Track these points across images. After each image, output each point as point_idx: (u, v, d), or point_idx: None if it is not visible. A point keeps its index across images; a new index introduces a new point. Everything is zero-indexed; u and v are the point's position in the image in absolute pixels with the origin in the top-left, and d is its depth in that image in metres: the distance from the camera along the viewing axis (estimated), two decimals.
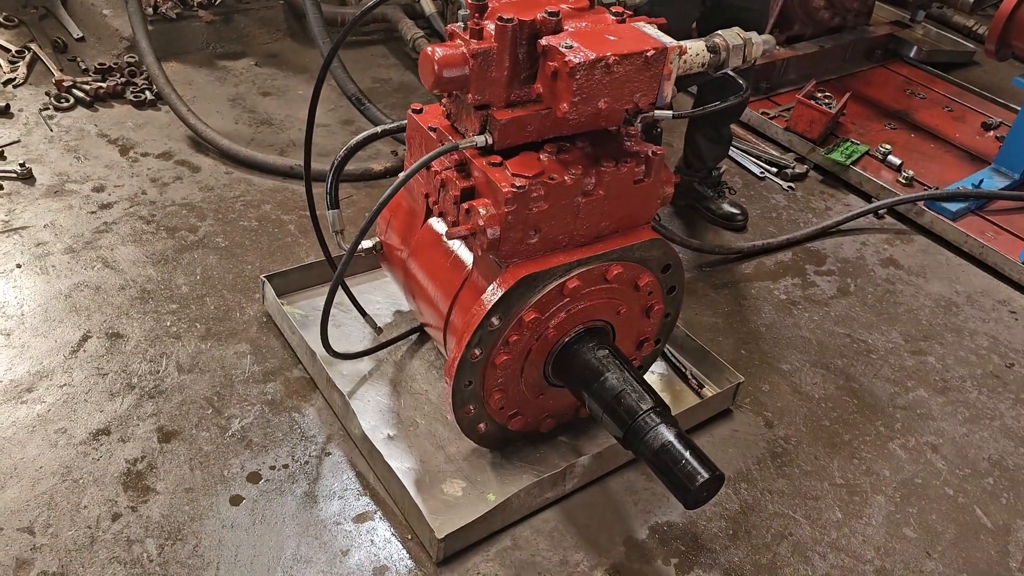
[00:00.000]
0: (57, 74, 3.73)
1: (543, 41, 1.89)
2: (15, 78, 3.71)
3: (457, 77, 1.92)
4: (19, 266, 2.79)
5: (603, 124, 2.04)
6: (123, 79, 3.75)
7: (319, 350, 2.44)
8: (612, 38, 1.92)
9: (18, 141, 3.36)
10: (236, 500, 2.17)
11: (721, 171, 3.45)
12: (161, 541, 2.05)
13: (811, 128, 3.95)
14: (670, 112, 2.10)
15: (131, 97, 3.68)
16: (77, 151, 3.37)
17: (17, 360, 2.47)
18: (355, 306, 2.60)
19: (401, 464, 2.30)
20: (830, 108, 4.01)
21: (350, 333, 2.67)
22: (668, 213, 3.47)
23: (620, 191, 2.09)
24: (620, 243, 2.15)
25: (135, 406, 2.37)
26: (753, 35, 2.14)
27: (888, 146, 3.95)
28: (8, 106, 3.52)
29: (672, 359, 2.72)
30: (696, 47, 2.05)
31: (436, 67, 1.90)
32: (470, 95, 1.95)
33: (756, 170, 3.87)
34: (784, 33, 4.50)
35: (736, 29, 2.12)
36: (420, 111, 2.27)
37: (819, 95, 4.19)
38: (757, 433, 2.57)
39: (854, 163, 3.86)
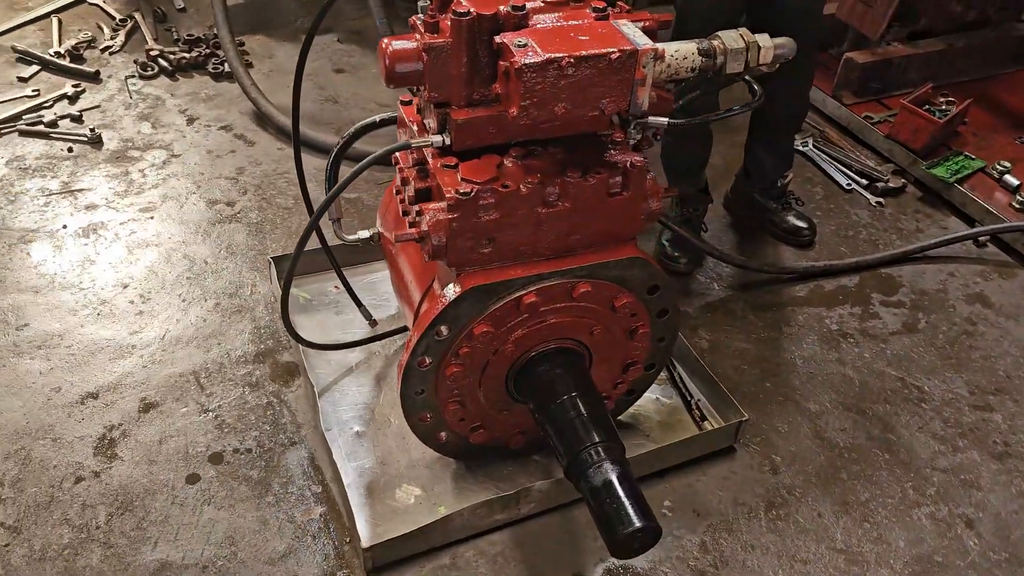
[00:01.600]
0: (149, 42, 3.93)
1: (498, 38, 1.74)
2: (112, 45, 3.93)
3: (410, 72, 1.80)
4: (64, 227, 2.96)
5: (575, 129, 1.86)
6: (208, 50, 3.90)
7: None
8: (579, 37, 1.74)
9: (99, 106, 3.56)
10: (193, 479, 2.20)
11: (787, 180, 3.12)
12: (111, 510, 2.11)
13: (915, 137, 3.51)
14: (664, 120, 1.91)
15: (210, 69, 3.81)
16: (149, 118, 3.53)
17: (43, 315, 2.62)
18: (350, 295, 2.56)
19: (360, 463, 2.25)
20: (943, 116, 3.55)
21: (352, 321, 2.64)
22: (724, 224, 3.19)
23: (590, 204, 1.91)
24: (591, 259, 1.97)
25: (127, 373, 2.46)
26: (762, 38, 1.89)
27: (1008, 164, 3.44)
28: (99, 72, 3.74)
29: (680, 385, 2.51)
30: (684, 50, 1.82)
31: (387, 61, 1.79)
32: (426, 92, 1.84)
33: (843, 181, 3.49)
34: (907, 27, 4.02)
35: (741, 31, 1.87)
36: (409, 102, 2.18)
37: (938, 100, 3.72)
38: (757, 478, 2.32)
39: (961, 181, 3.40)
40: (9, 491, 2.14)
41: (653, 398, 2.51)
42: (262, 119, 3.54)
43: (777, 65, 1.99)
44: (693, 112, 2.56)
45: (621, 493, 1.81)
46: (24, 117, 3.41)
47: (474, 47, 1.78)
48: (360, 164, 1.89)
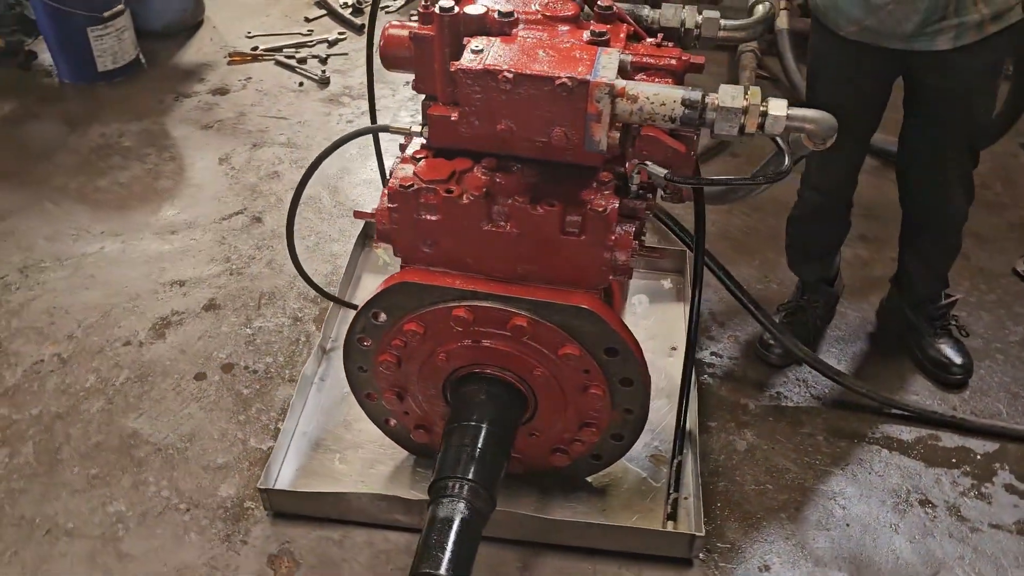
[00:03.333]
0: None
1: (466, 39, 1.68)
2: (390, 6, 4.39)
3: (401, 58, 1.83)
4: (255, 145, 3.43)
5: (548, 155, 1.72)
6: None
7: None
8: (541, 55, 1.62)
9: (347, 54, 4.03)
10: (200, 377, 2.48)
11: (948, 303, 2.53)
12: (130, 376, 2.47)
13: None
14: (661, 171, 1.72)
15: None
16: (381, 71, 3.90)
17: (183, 209, 3.10)
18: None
19: (327, 420, 2.34)
20: None
21: None
22: (865, 332, 2.67)
23: (540, 236, 1.77)
24: (535, 295, 1.83)
25: (215, 275, 2.81)
26: (775, 104, 1.58)
27: None
28: (363, 26, 4.21)
29: (673, 473, 2.21)
30: (665, 95, 1.58)
31: (383, 42, 1.83)
32: (414, 81, 1.84)
33: None
34: None
35: (744, 88, 1.58)
36: None
37: None
38: None
39: None
40: (80, 333, 2.60)
41: (642, 475, 2.26)
42: None
43: (817, 144, 1.66)
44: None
45: (451, 537, 1.69)
46: (285, 50, 3.99)
47: (458, 44, 1.74)
48: (337, 139, 1.97)
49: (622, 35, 1.76)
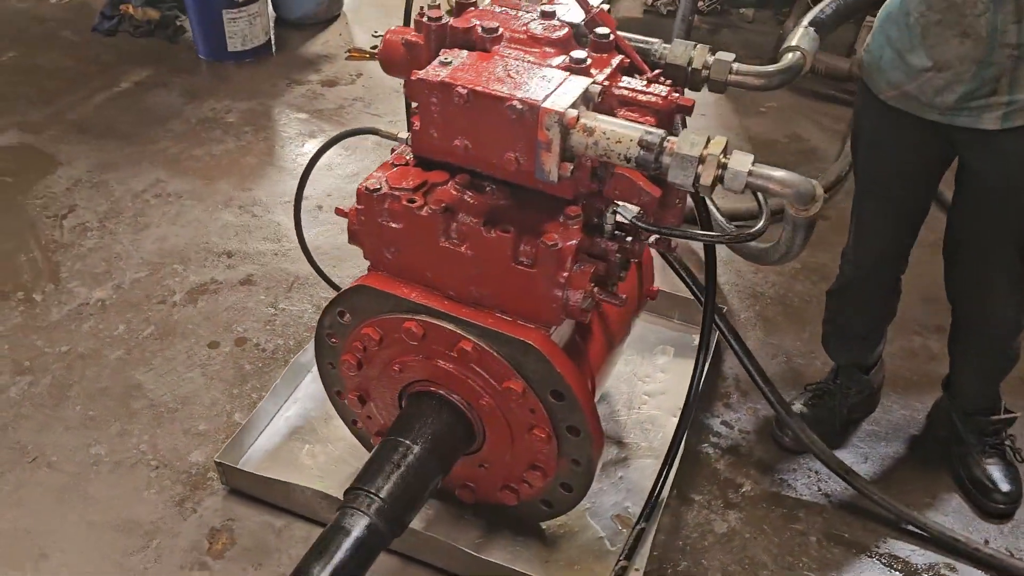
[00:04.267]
0: None
1: (442, 51, 1.65)
2: None
3: (396, 63, 1.82)
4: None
5: (518, 179, 1.65)
6: None
7: None
8: (505, 75, 1.56)
9: None
10: (213, 345, 2.58)
11: (1006, 419, 2.19)
12: (154, 333, 2.61)
13: None
14: (629, 215, 1.62)
15: None
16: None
17: (259, 187, 3.25)
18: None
19: (313, 409, 2.37)
20: None
21: None
22: (908, 434, 2.37)
23: (492, 261, 1.70)
24: (485, 322, 1.76)
25: (262, 253, 2.93)
26: (737, 158, 1.43)
27: None
28: None
29: (628, 539, 2.05)
30: (623, 133, 1.47)
31: (383, 46, 1.83)
32: (404, 86, 1.82)
33: None
34: None
35: (708, 135, 1.43)
36: None
37: None
38: None
39: None
40: (127, 284, 2.78)
41: (600, 535, 2.12)
42: None
43: (799, 210, 1.49)
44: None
45: (341, 550, 1.65)
46: None
47: None
48: (325, 141, 1.99)
49: (613, 65, 1.66)
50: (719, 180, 1.44)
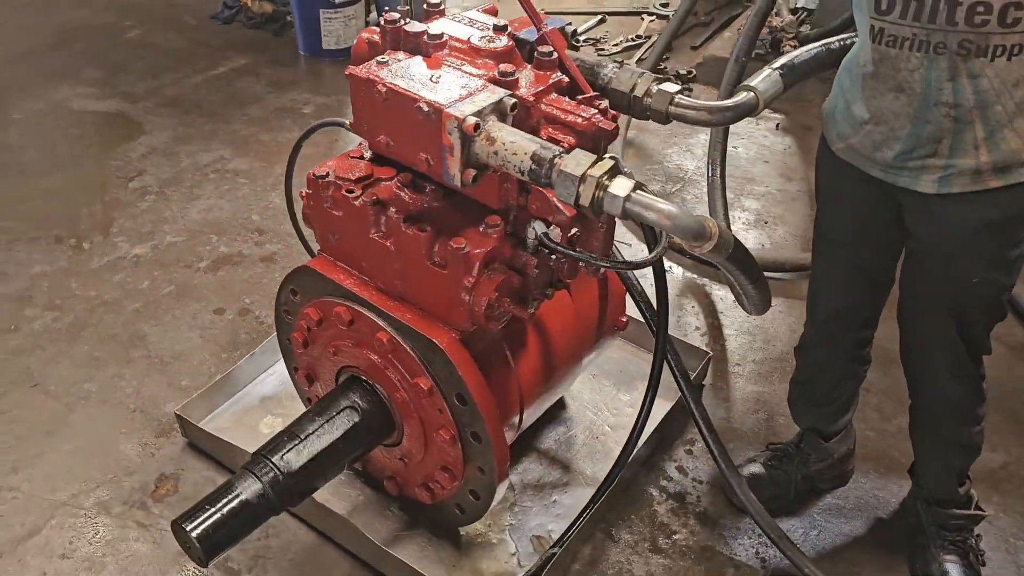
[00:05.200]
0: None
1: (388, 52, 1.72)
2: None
3: (361, 60, 1.89)
4: None
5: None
6: None
7: None
8: (435, 78, 1.61)
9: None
10: (219, 312, 2.76)
11: (973, 515, 2.00)
12: (172, 292, 2.83)
13: None
14: (537, 230, 1.65)
15: None
16: None
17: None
18: None
19: (283, 380, 2.48)
20: None
21: None
22: (874, 516, 2.21)
23: (411, 257, 1.75)
24: (402, 316, 1.81)
25: (291, 234, 3.08)
26: (617, 183, 1.41)
27: None
28: None
29: (538, 562, 2.03)
30: (520, 145, 1.48)
31: (355, 43, 1.93)
32: None
33: None
34: None
35: (597, 157, 1.42)
36: None
37: None
38: None
39: None
40: (163, 246, 3.03)
41: (512, 551, 2.11)
42: None
43: (690, 245, 1.46)
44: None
45: (225, 509, 1.72)
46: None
47: None
48: (304, 132, 2.10)
49: (548, 82, 1.68)
50: (597, 202, 1.43)
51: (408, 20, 1.80)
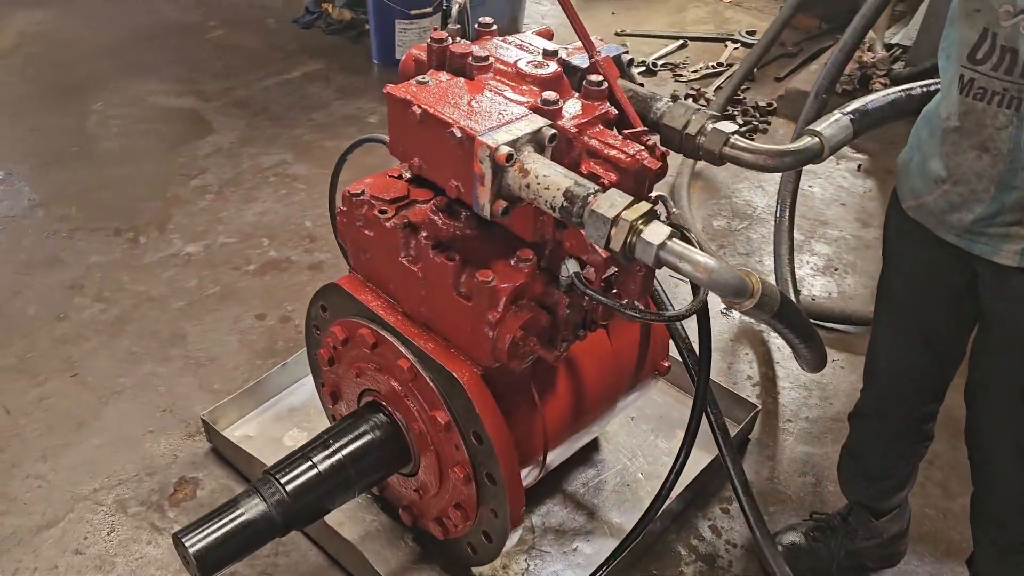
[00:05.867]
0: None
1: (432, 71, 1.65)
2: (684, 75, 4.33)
3: (408, 76, 1.83)
4: None
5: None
6: None
7: None
8: (475, 103, 1.54)
9: None
10: (261, 316, 2.74)
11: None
12: (218, 293, 2.83)
13: None
14: (571, 268, 1.56)
15: None
16: None
17: (359, 172, 3.40)
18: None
19: (312, 393, 2.44)
20: None
21: None
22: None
23: (438, 286, 1.68)
24: (424, 344, 1.73)
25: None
26: (655, 228, 1.30)
27: None
28: None
29: None
30: (553, 180, 1.39)
31: (404, 58, 1.87)
32: None
33: None
34: None
35: (634, 199, 1.32)
36: None
37: None
38: None
39: None
40: (216, 245, 3.05)
41: None
42: None
43: (731, 302, 1.35)
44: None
45: (227, 526, 1.68)
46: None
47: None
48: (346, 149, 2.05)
49: (595, 113, 1.59)
50: (631, 248, 1.33)
51: (456, 39, 1.74)
